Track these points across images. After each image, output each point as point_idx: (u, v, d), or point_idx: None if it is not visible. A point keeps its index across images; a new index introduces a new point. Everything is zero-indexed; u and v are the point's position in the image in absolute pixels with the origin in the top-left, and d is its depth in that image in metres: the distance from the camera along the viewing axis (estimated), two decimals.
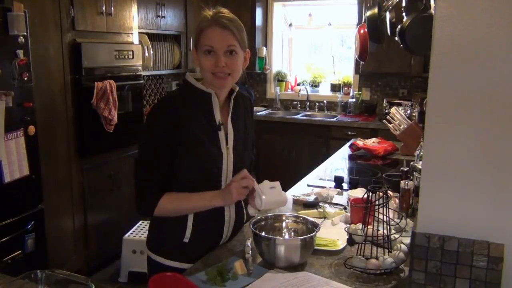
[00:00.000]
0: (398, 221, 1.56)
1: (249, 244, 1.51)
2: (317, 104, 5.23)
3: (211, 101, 1.47)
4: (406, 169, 2.10)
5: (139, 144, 1.50)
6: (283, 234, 1.56)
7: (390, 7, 2.53)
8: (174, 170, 1.45)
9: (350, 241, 1.44)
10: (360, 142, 3.14)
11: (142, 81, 3.72)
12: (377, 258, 1.37)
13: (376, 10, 2.74)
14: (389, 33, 2.62)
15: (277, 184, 1.46)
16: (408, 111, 3.32)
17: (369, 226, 1.42)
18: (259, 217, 1.55)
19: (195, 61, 1.48)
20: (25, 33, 2.52)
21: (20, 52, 2.49)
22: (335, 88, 5.22)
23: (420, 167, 1.79)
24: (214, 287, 1.28)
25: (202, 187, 1.48)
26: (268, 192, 1.43)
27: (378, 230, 1.42)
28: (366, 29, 2.96)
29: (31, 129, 2.60)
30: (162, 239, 1.55)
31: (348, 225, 1.57)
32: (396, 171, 2.36)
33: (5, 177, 2.43)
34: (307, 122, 4.77)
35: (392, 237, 1.43)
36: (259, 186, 1.45)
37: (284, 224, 1.58)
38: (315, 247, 1.47)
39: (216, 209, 1.50)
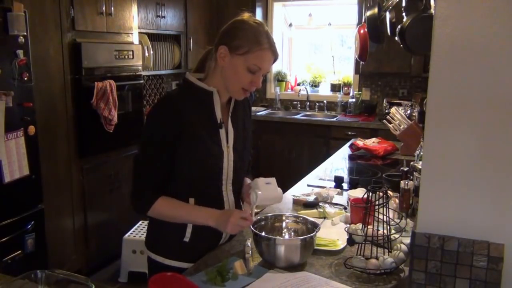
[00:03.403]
0: (398, 221, 1.56)
1: (249, 244, 1.51)
2: (317, 104, 5.23)
3: (212, 99, 1.48)
4: (406, 169, 2.10)
5: (140, 142, 1.50)
6: (283, 234, 1.56)
7: (390, 7, 2.53)
8: (175, 169, 1.45)
9: (350, 241, 1.44)
10: (360, 142, 3.14)
11: (142, 81, 3.72)
12: (377, 258, 1.37)
13: (376, 10, 2.74)
14: (389, 33, 2.61)
15: (272, 180, 1.46)
16: (408, 111, 3.32)
17: (369, 226, 1.42)
18: (259, 217, 1.55)
19: (221, 57, 1.42)
20: (25, 33, 2.52)
21: (20, 52, 2.49)
22: (335, 88, 5.22)
23: (420, 167, 1.79)
24: (214, 287, 1.28)
25: (203, 186, 1.48)
26: (263, 188, 1.43)
27: (378, 230, 1.42)
28: (366, 29, 2.96)
29: (31, 129, 2.60)
30: (162, 239, 1.55)
31: (348, 225, 1.57)
32: (396, 171, 2.36)
33: (5, 177, 2.43)
34: (307, 122, 4.77)
35: (392, 237, 1.43)
36: (254, 181, 1.46)
37: (284, 224, 1.58)
38: (315, 247, 1.47)
39: (216, 207, 1.50)
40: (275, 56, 1.45)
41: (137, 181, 1.46)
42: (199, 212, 1.45)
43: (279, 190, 1.47)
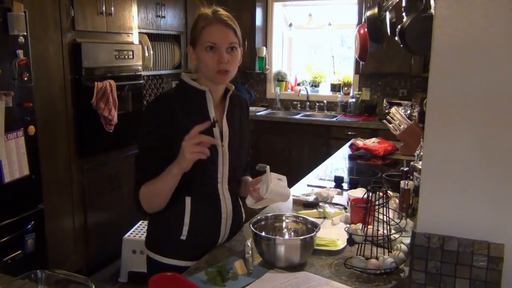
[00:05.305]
0: (398, 221, 1.56)
1: (249, 244, 1.51)
2: (317, 104, 5.23)
3: (205, 98, 1.49)
4: (406, 169, 2.10)
5: (137, 144, 1.51)
6: (283, 234, 1.56)
7: (390, 7, 2.53)
8: None
9: (350, 241, 1.44)
10: (360, 142, 3.14)
11: (142, 81, 3.72)
12: (377, 258, 1.37)
13: (376, 10, 2.74)
14: (389, 33, 2.61)
15: (284, 178, 1.47)
16: (408, 111, 3.32)
17: (369, 226, 1.42)
18: (259, 217, 1.55)
19: (191, 58, 1.49)
20: (25, 33, 2.52)
21: (20, 52, 2.49)
22: (335, 88, 5.22)
23: (420, 167, 1.79)
24: (214, 287, 1.28)
25: (198, 184, 1.48)
26: (275, 182, 1.42)
27: (378, 230, 1.42)
28: (366, 29, 2.96)
29: (31, 129, 2.60)
30: (160, 237, 1.55)
31: (348, 225, 1.57)
32: (396, 171, 2.36)
33: (5, 177, 2.43)
34: (307, 122, 4.77)
35: (392, 237, 1.43)
36: (266, 174, 1.45)
37: (284, 224, 1.58)
38: (315, 247, 1.47)
39: (213, 206, 1.52)
40: (222, 23, 1.42)
41: (135, 181, 1.46)
42: (166, 171, 1.37)
43: (288, 189, 1.47)
